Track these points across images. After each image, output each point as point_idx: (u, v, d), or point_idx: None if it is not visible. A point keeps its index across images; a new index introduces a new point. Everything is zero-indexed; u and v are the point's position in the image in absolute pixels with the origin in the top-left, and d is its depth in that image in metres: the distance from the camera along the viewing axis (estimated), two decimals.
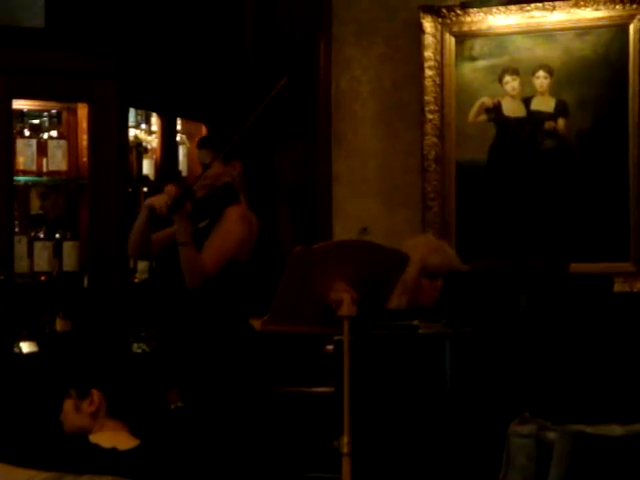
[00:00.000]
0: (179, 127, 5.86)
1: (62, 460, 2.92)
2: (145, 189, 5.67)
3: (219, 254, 4.38)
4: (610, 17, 5.32)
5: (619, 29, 5.32)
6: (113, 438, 3.10)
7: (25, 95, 5.23)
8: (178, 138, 5.83)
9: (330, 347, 4.53)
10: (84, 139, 5.31)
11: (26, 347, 5.14)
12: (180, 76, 5.72)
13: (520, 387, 3.61)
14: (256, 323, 4.00)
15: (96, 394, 3.12)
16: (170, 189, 4.31)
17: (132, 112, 5.60)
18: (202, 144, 4.60)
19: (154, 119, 5.76)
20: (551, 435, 2.87)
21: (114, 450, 3.05)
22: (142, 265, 5.52)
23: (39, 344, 5.18)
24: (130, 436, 3.12)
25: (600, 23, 5.34)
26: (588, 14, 5.34)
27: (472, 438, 3.60)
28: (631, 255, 5.33)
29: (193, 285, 4.33)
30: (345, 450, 3.32)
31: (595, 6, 5.33)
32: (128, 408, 3.14)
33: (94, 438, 3.09)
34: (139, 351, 5.25)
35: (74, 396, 3.16)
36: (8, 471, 2.75)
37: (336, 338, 3.65)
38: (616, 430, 2.83)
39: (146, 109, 5.72)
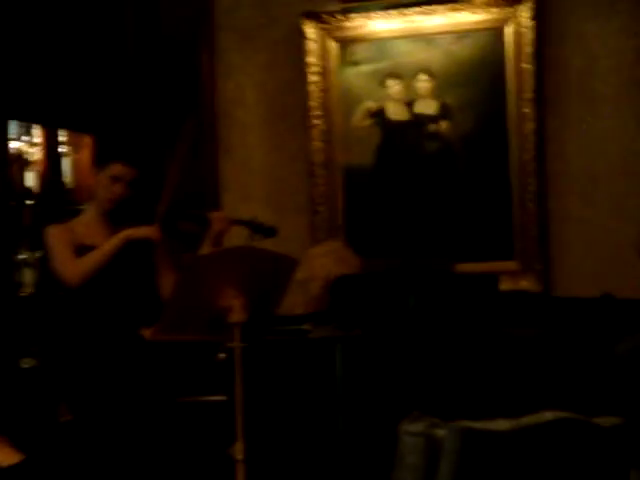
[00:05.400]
0: (63, 139, 5.78)
1: None
2: (28, 202, 5.59)
3: None
4: (487, 20, 5.40)
5: (496, 32, 5.41)
6: None
7: None
8: (62, 150, 5.76)
9: (222, 355, 4.52)
10: None
11: None
12: (61, 87, 5.64)
13: (411, 386, 3.66)
14: (147, 333, 3.96)
15: None
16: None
17: (13, 124, 5.52)
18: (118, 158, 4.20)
19: (36, 131, 5.68)
20: (440, 432, 2.90)
21: None
22: (28, 279, 5.43)
23: None
24: (12, 451, 3.07)
25: (477, 26, 5.42)
26: (465, 17, 5.43)
27: (365, 438, 3.63)
28: (515, 254, 5.43)
29: None
30: (239, 457, 3.32)
31: (472, 10, 5.42)
32: (14, 423, 3.10)
33: None
34: (27, 366, 5.16)
35: None
36: None
37: (228, 345, 3.64)
38: (503, 425, 2.88)
39: (27, 121, 5.64)
